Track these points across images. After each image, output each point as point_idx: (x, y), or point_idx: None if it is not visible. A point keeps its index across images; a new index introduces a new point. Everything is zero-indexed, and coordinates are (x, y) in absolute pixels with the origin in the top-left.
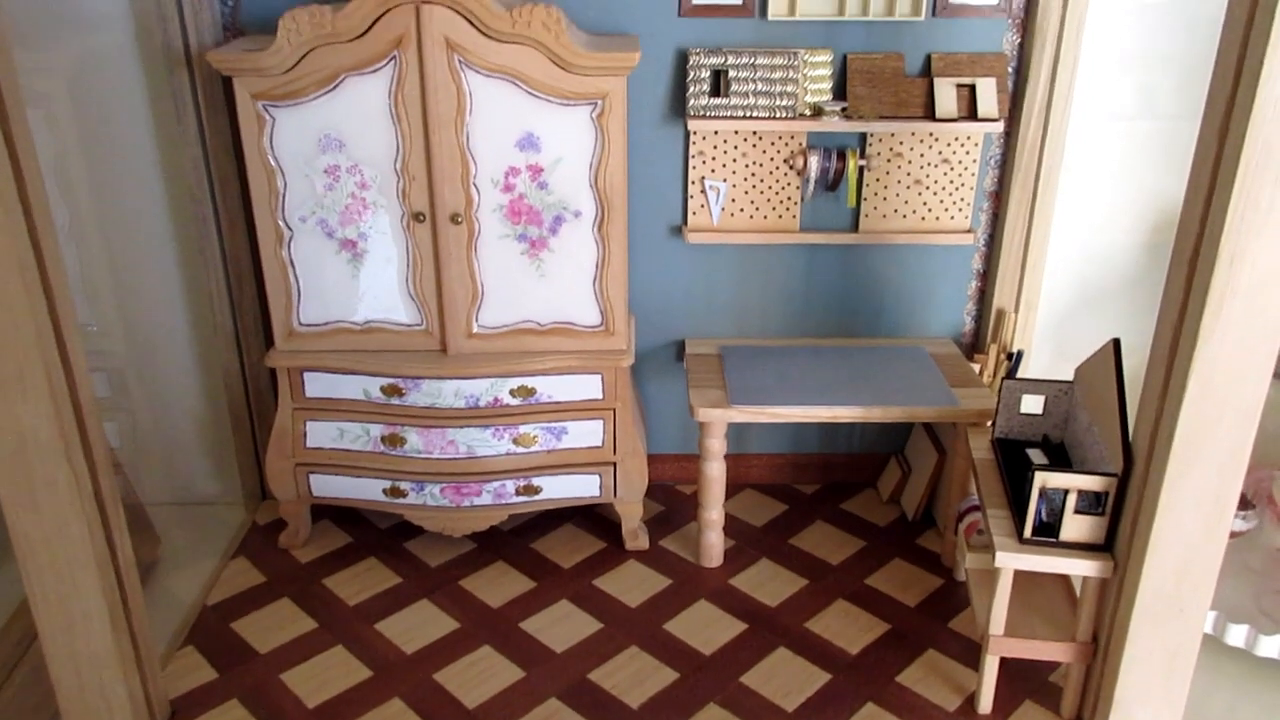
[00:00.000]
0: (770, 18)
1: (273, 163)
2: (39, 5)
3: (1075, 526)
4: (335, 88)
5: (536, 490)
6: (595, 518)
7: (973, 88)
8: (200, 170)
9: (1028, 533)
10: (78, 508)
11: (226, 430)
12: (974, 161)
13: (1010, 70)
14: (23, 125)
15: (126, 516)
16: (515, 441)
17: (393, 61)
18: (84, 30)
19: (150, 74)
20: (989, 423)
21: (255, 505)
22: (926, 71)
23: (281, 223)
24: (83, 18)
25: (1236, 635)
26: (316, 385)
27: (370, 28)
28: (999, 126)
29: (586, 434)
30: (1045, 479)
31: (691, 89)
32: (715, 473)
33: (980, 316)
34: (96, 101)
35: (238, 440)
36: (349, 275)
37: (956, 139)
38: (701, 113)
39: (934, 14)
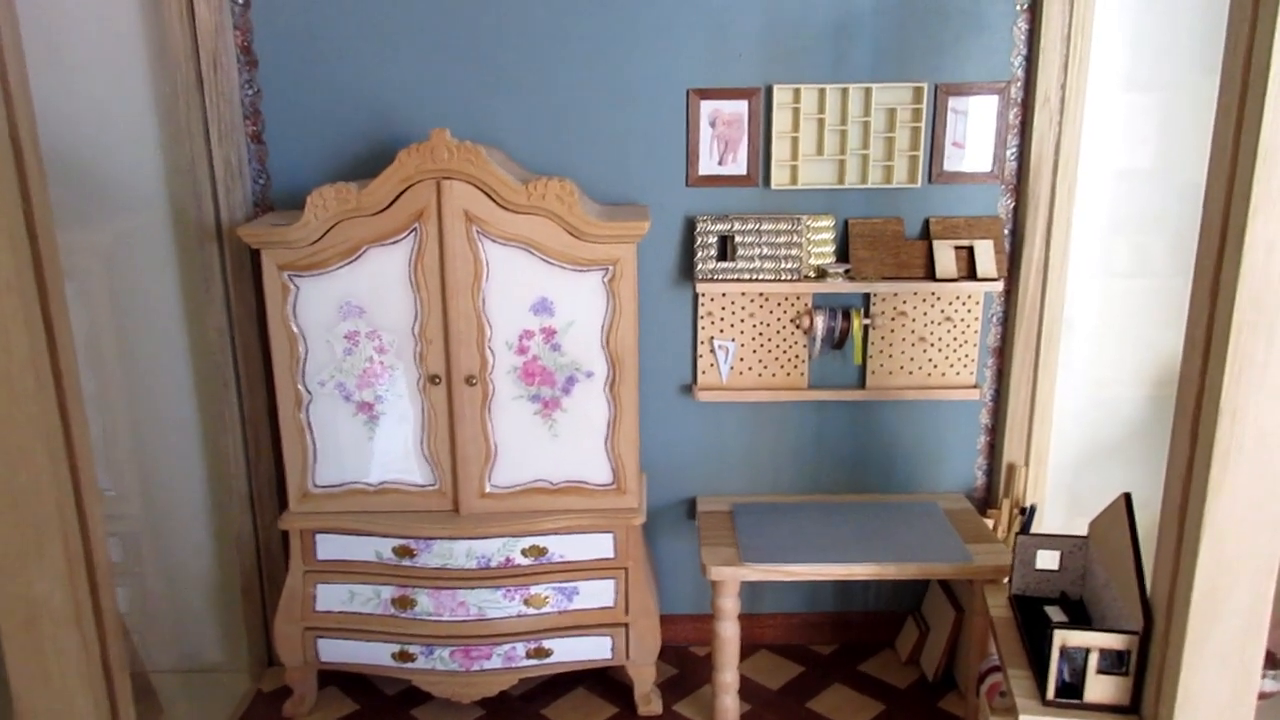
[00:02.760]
0: (774, 187)
1: (295, 329)
2: (83, 189)
3: (1099, 687)
4: (358, 258)
5: (547, 653)
6: (607, 681)
7: (971, 249)
8: (225, 337)
9: (1050, 694)
10: (86, 679)
11: (235, 595)
12: (976, 319)
13: (1006, 232)
14: (61, 304)
15: (131, 685)
16: (526, 602)
17: (413, 233)
18: (124, 211)
19: (182, 248)
20: (1005, 579)
21: (260, 672)
22: (925, 234)
23: (301, 387)
24: (123, 199)
25: None
26: (328, 547)
27: (393, 202)
28: (998, 286)
29: (598, 594)
30: (1065, 637)
31: (699, 254)
32: (729, 633)
33: (991, 471)
34: (129, 275)
35: (246, 605)
36: (365, 437)
37: (958, 298)
38: (709, 276)
39: (930, 181)
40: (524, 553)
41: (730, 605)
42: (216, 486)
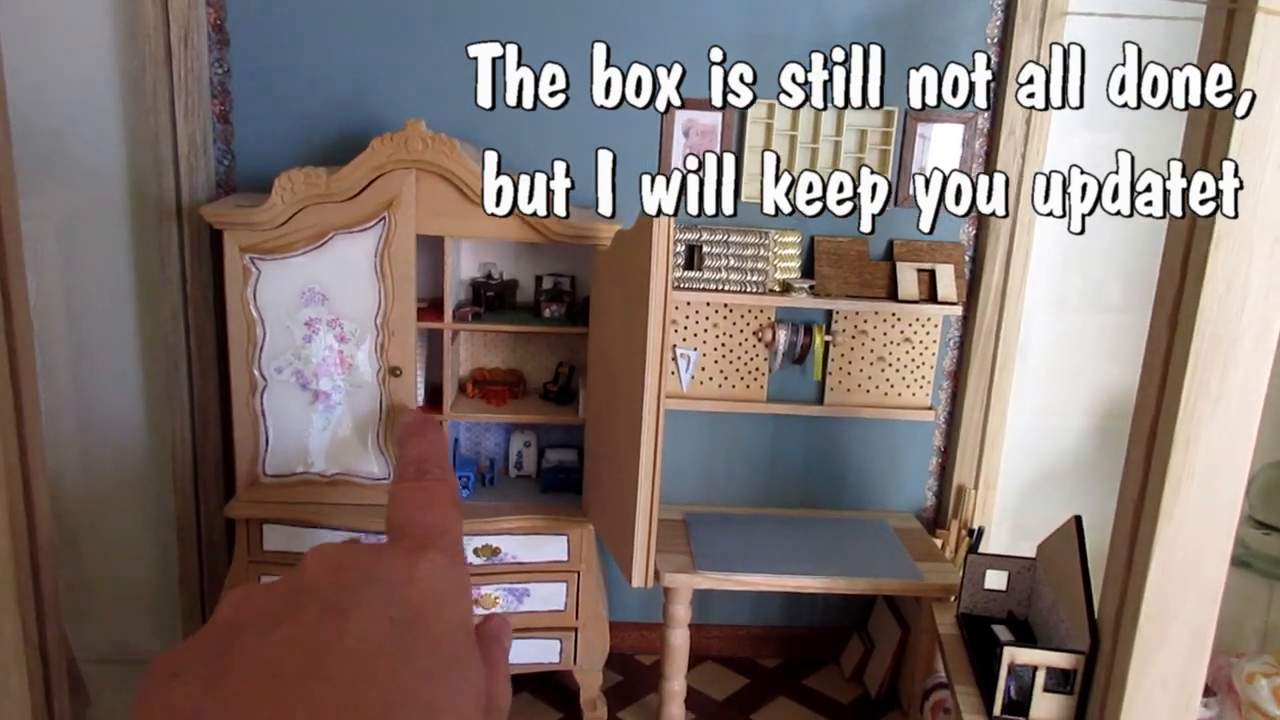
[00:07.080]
0: (744, 200)
1: (254, 313)
2: (40, 156)
3: (1045, 705)
4: (324, 244)
5: None
6: (553, 685)
7: (932, 273)
8: (178, 318)
9: (998, 710)
10: (21, 661)
11: (173, 584)
12: (934, 341)
13: (967, 259)
14: (19, 271)
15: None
16: (476, 603)
17: (381, 222)
18: (81, 182)
19: (139, 225)
20: (953, 598)
21: None
22: (889, 256)
23: (257, 372)
24: (81, 170)
25: None
26: (276, 538)
27: (363, 190)
28: (957, 310)
29: (549, 597)
30: (1014, 655)
31: None
32: (679, 641)
33: (941, 493)
34: (82, 248)
35: (184, 595)
36: (319, 427)
37: (917, 319)
38: (676, 284)
39: (895, 204)
40: (476, 552)
41: (682, 613)
42: (160, 471)
